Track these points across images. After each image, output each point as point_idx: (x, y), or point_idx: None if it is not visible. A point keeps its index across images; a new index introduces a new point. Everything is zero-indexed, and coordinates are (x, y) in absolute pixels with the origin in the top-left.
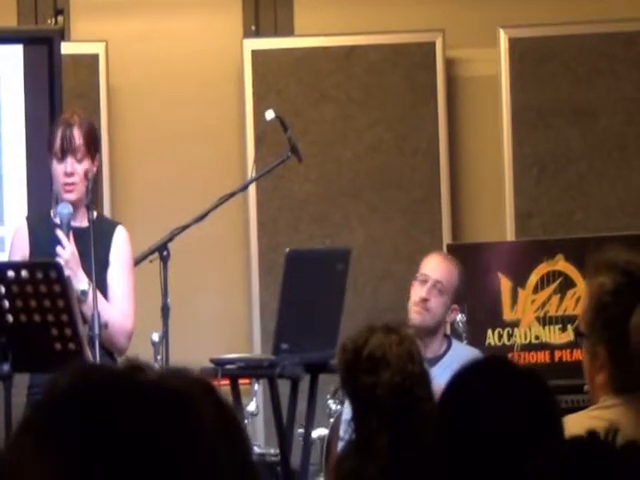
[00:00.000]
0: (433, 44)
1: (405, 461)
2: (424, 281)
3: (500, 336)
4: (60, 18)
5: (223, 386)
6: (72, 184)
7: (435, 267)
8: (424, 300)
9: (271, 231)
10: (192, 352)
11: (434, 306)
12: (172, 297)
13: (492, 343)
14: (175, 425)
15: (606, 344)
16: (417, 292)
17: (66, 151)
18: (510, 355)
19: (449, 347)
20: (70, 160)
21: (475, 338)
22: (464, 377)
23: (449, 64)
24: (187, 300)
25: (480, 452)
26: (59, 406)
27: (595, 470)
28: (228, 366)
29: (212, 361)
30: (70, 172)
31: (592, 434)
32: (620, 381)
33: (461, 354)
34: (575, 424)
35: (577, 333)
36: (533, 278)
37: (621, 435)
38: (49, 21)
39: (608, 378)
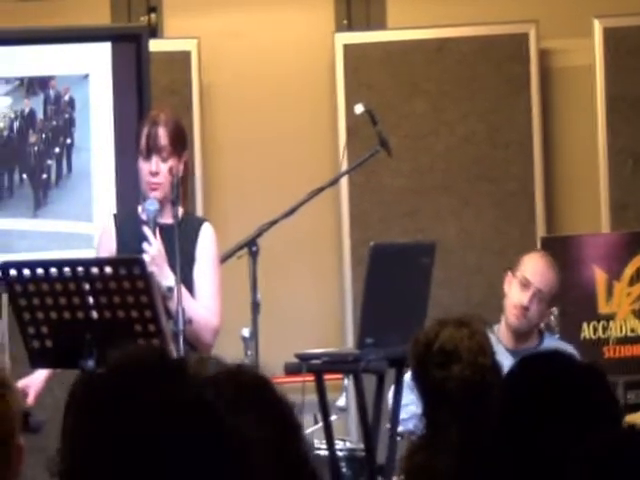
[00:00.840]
0: (526, 35)
1: (475, 456)
2: (526, 286)
3: (595, 329)
4: (153, 16)
5: (309, 382)
6: (157, 183)
7: (540, 275)
8: (525, 308)
9: (363, 225)
10: (283, 347)
11: (533, 314)
12: (264, 292)
13: (587, 336)
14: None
15: None
16: (517, 295)
17: (151, 150)
18: (605, 348)
19: (541, 342)
20: (155, 159)
21: (570, 331)
22: (525, 366)
23: (543, 55)
24: (278, 296)
25: (537, 440)
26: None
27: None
28: (312, 361)
29: (297, 356)
30: (155, 171)
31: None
32: None
33: (552, 345)
34: None
35: None
36: (629, 271)
37: None
38: (142, 19)
39: None
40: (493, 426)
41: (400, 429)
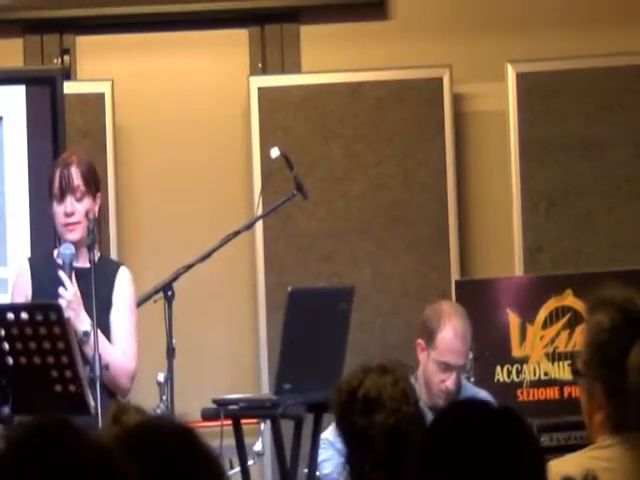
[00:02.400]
0: (440, 79)
1: None
2: (447, 368)
3: (509, 373)
4: (66, 57)
5: (226, 426)
6: (73, 223)
7: (458, 354)
8: (450, 392)
9: (278, 269)
10: (198, 392)
11: (458, 383)
12: (178, 337)
13: (501, 380)
14: None
15: (603, 383)
16: (440, 377)
17: (65, 191)
18: (519, 392)
19: (460, 389)
20: (70, 199)
21: (484, 375)
22: (437, 423)
23: (457, 99)
24: (193, 340)
25: None
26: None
27: None
28: (230, 406)
29: (214, 401)
30: (70, 212)
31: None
32: (618, 420)
33: (470, 397)
34: (574, 464)
35: (574, 372)
36: (542, 314)
37: (621, 474)
38: (55, 61)
39: (606, 417)
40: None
41: (320, 472)
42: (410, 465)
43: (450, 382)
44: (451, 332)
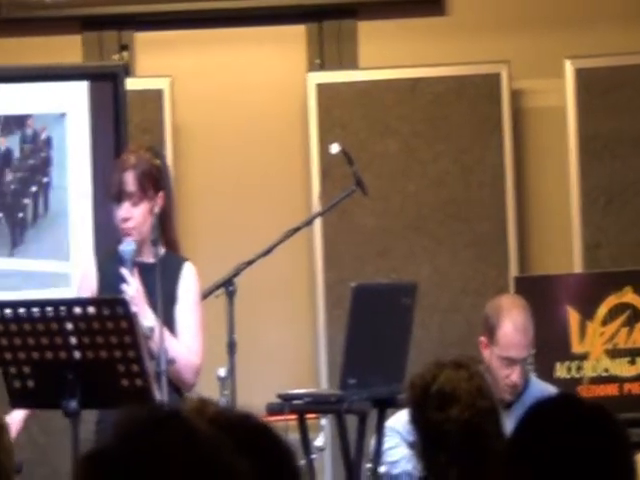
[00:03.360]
0: (498, 75)
1: None
2: (511, 363)
3: (569, 369)
4: (125, 54)
5: (290, 421)
6: (129, 228)
7: (522, 345)
8: (516, 385)
9: (337, 265)
10: (258, 387)
11: (523, 377)
12: (238, 332)
13: (561, 376)
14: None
15: None
16: (505, 372)
17: (121, 196)
18: (579, 388)
19: (527, 384)
20: (126, 205)
21: (543, 371)
22: (534, 416)
23: (515, 95)
24: (253, 335)
25: None
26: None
27: None
28: (295, 401)
29: (279, 396)
30: (126, 217)
31: None
32: None
33: (538, 392)
34: None
35: None
36: (602, 310)
37: None
38: (114, 57)
39: None
40: (498, 475)
41: (387, 470)
42: (494, 460)
43: (515, 376)
44: (511, 326)
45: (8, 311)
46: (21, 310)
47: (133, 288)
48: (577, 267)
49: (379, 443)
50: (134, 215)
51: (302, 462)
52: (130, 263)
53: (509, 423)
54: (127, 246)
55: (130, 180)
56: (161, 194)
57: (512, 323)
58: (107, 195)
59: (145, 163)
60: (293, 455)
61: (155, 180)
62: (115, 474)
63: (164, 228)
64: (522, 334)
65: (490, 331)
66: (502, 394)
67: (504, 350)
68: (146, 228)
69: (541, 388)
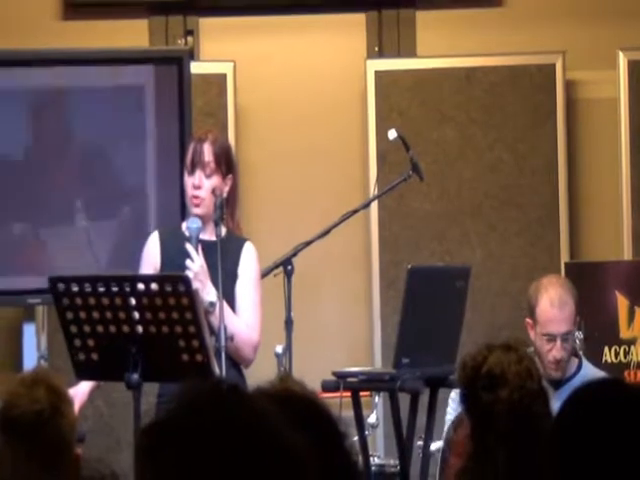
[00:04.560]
0: (553, 66)
1: (521, 477)
2: (552, 339)
3: (617, 354)
4: (190, 39)
5: (344, 398)
6: (198, 197)
7: (558, 322)
8: (558, 361)
9: (392, 248)
10: (314, 364)
11: (567, 353)
12: (295, 310)
13: (609, 360)
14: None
15: None
16: (547, 349)
17: (196, 165)
18: (626, 373)
19: (580, 368)
20: (199, 174)
21: (592, 355)
22: (578, 398)
23: (569, 86)
24: (310, 313)
25: (591, 474)
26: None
27: None
28: (350, 379)
29: (334, 374)
30: (197, 185)
31: None
32: None
33: (588, 376)
34: None
35: None
36: None
37: None
38: (179, 41)
39: None
40: (545, 456)
41: (438, 446)
42: (543, 442)
43: (555, 351)
44: (547, 303)
45: (74, 286)
46: (86, 285)
47: (197, 264)
48: (626, 254)
49: (430, 421)
50: (205, 185)
51: (355, 439)
52: (195, 240)
53: (558, 404)
54: (193, 223)
55: (207, 151)
56: (230, 176)
57: (549, 299)
58: (182, 164)
59: (223, 141)
60: (345, 433)
61: (228, 159)
62: (176, 445)
63: (228, 210)
64: (558, 309)
65: (531, 311)
66: (548, 372)
67: (543, 327)
68: (212, 204)
69: (591, 372)
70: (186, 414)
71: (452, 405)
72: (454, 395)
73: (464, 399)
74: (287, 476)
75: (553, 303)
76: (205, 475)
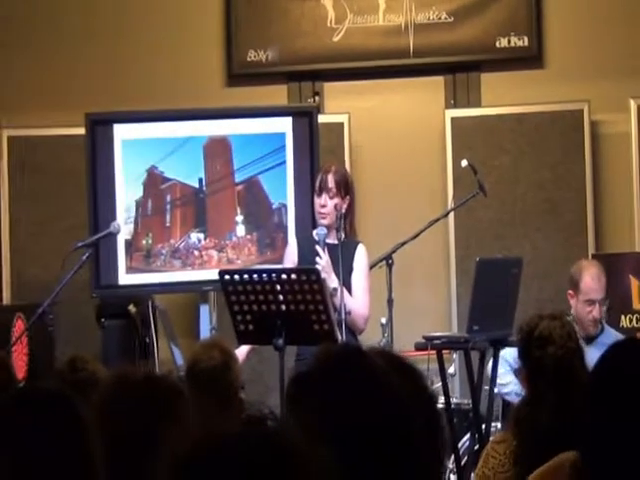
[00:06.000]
0: (582, 111)
1: (566, 416)
2: (591, 303)
3: (631, 320)
4: (317, 98)
5: (431, 355)
6: (324, 213)
7: (596, 290)
8: (596, 320)
9: (465, 245)
10: (409, 331)
11: (601, 314)
12: (395, 292)
13: (624, 326)
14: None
15: None
16: (588, 311)
17: (322, 189)
18: (638, 334)
19: (602, 330)
20: (324, 196)
21: (612, 321)
22: (612, 354)
23: (593, 125)
24: (405, 295)
25: (622, 414)
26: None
27: None
28: (435, 341)
29: (424, 337)
30: (323, 204)
31: None
32: None
33: (611, 337)
34: None
35: None
36: None
37: None
38: (309, 100)
39: None
40: (585, 394)
41: (498, 389)
42: (581, 387)
43: (595, 312)
44: (589, 277)
45: (237, 277)
46: (246, 276)
47: (324, 260)
48: (637, 247)
49: (494, 371)
50: (329, 204)
51: (439, 384)
52: (322, 243)
53: (592, 353)
54: (321, 231)
55: (330, 179)
56: (347, 197)
57: (589, 275)
58: (312, 190)
59: (343, 172)
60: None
61: (346, 185)
62: (316, 390)
63: (346, 221)
64: (597, 281)
65: (575, 284)
66: (587, 329)
67: (586, 295)
68: (334, 217)
69: (612, 332)
70: (325, 368)
71: (501, 362)
72: (502, 354)
73: (521, 355)
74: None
75: (593, 278)
76: (341, 414)
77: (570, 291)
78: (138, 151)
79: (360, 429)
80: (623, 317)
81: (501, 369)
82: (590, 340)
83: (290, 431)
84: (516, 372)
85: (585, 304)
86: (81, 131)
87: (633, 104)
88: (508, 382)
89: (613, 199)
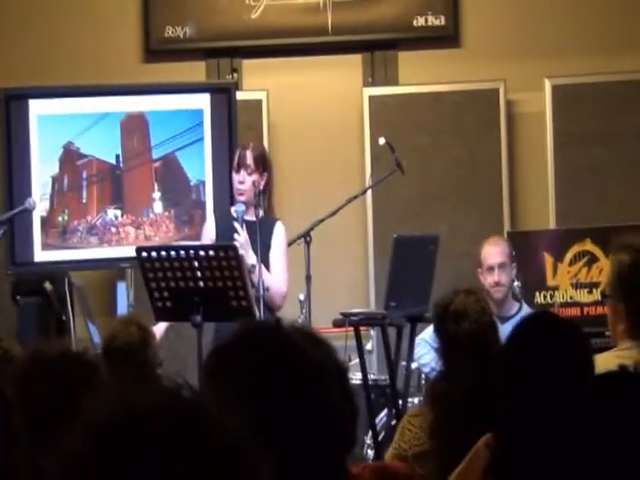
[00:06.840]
0: (497, 90)
1: (480, 386)
2: (491, 269)
3: (545, 297)
4: (235, 75)
5: (349, 332)
6: (242, 190)
7: (493, 255)
8: (497, 282)
9: (382, 223)
10: (326, 308)
11: (505, 280)
12: (313, 269)
13: (539, 302)
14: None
15: (624, 303)
16: (489, 278)
17: (240, 166)
18: (552, 309)
19: (520, 309)
20: (242, 173)
21: (527, 297)
22: (523, 327)
23: (509, 104)
24: (323, 271)
25: (533, 382)
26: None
27: (628, 394)
28: (353, 318)
29: (342, 314)
30: (242, 180)
31: (623, 367)
32: (635, 330)
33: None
34: (605, 360)
35: (603, 295)
36: (568, 255)
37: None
38: (227, 77)
39: (626, 328)
40: (499, 367)
41: (417, 366)
42: (494, 359)
43: (495, 276)
44: (486, 246)
45: (153, 254)
46: (163, 253)
47: (242, 237)
48: (551, 224)
49: (411, 347)
50: (247, 181)
51: (357, 361)
52: (240, 220)
53: (504, 334)
54: (239, 207)
55: (248, 156)
56: (265, 174)
57: (487, 244)
58: (230, 166)
59: (260, 148)
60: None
61: (264, 161)
62: (234, 362)
63: (264, 198)
64: (493, 246)
65: (479, 259)
66: (492, 297)
67: (484, 262)
68: (252, 194)
69: (529, 311)
70: (242, 341)
71: (421, 343)
72: (422, 336)
73: (436, 329)
74: (311, 381)
75: (490, 244)
76: (257, 385)
77: (479, 269)
78: (54, 127)
79: (276, 400)
80: (537, 294)
81: (423, 349)
82: (504, 320)
83: (205, 400)
84: (436, 350)
85: (486, 274)
86: None
87: (548, 84)
88: (428, 361)
89: (528, 177)
